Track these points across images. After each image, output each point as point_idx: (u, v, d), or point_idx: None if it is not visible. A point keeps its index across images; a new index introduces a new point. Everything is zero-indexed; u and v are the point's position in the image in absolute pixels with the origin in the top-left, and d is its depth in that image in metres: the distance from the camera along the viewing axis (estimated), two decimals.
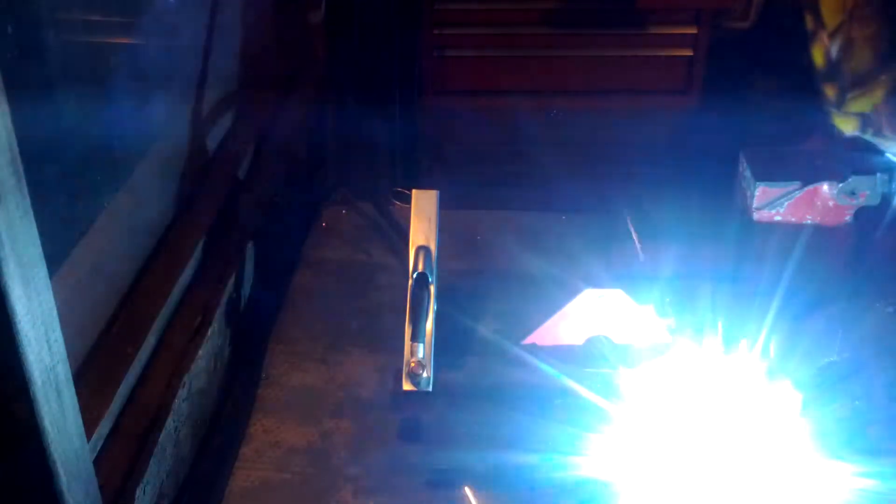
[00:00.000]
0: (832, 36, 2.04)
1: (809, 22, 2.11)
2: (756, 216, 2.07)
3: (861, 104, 2.04)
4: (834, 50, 2.04)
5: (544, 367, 1.80)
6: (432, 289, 1.85)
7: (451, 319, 1.94)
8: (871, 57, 2.00)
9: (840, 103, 2.06)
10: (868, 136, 2.05)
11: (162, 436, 1.51)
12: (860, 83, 2.02)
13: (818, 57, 2.10)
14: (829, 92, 2.09)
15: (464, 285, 2.11)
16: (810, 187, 2.04)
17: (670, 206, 2.27)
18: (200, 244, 1.90)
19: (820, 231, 2.05)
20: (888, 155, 2.01)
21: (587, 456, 1.61)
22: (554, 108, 3.05)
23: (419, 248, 1.90)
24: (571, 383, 1.75)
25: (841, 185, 2.04)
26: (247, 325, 1.96)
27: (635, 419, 1.65)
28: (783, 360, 1.73)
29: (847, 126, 2.08)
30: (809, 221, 2.07)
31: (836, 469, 1.55)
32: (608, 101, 3.04)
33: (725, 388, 1.67)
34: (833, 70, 2.06)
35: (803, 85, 2.41)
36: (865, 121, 2.04)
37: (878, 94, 2.00)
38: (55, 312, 1.03)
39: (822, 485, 1.54)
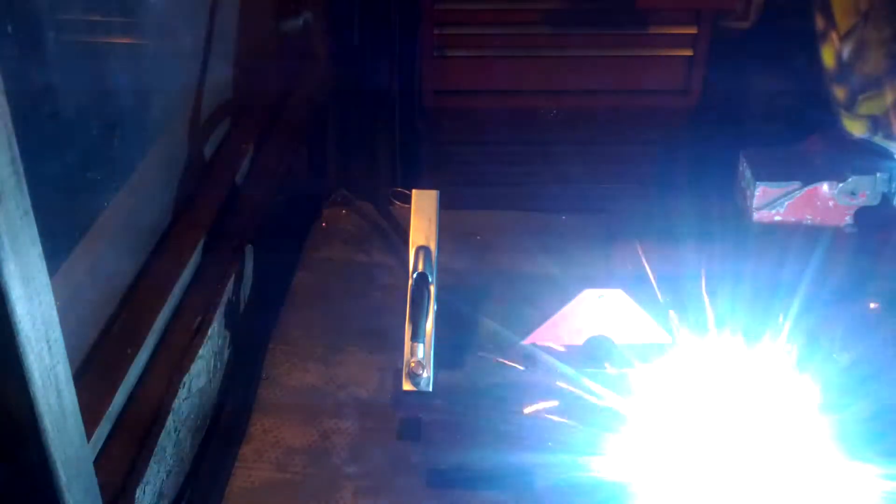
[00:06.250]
0: (844, 38, 2.00)
1: (819, 22, 2.07)
2: (756, 216, 2.08)
3: (872, 106, 2.01)
4: (846, 52, 2.01)
5: (545, 366, 1.80)
6: (432, 289, 1.85)
7: (452, 319, 1.94)
8: (885, 60, 1.97)
9: (850, 105, 2.03)
10: (878, 139, 2.03)
11: (162, 436, 1.51)
12: (872, 86, 1.99)
13: (828, 58, 2.06)
14: (839, 93, 2.05)
15: (464, 285, 2.11)
16: (810, 187, 2.05)
17: (669, 205, 2.26)
18: (200, 244, 1.90)
19: (824, 231, 2.06)
20: None
21: (590, 455, 1.60)
22: (553, 108, 3.05)
23: (419, 248, 1.90)
24: (572, 383, 1.74)
25: (841, 185, 2.04)
26: (247, 325, 1.96)
27: (641, 419, 1.64)
28: (804, 360, 1.72)
29: (856, 128, 2.05)
30: (809, 221, 2.08)
31: (858, 470, 1.54)
32: (608, 100, 3.04)
33: (742, 387, 1.66)
34: (844, 72, 2.03)
35: (803, 85, 2.40)
36: (876, 123, 2.02)
37: (890, 97, 1.98)
38: (55, 312, 1.03)
39: (843, 486, 1.53)
